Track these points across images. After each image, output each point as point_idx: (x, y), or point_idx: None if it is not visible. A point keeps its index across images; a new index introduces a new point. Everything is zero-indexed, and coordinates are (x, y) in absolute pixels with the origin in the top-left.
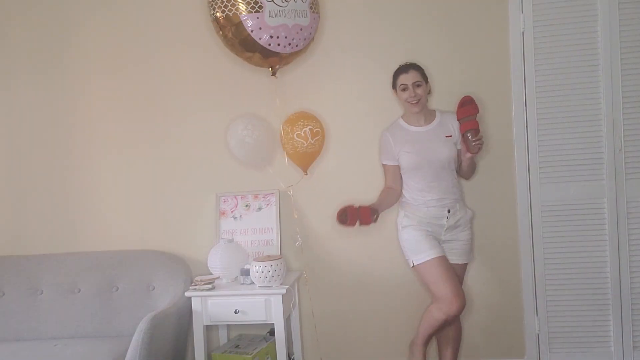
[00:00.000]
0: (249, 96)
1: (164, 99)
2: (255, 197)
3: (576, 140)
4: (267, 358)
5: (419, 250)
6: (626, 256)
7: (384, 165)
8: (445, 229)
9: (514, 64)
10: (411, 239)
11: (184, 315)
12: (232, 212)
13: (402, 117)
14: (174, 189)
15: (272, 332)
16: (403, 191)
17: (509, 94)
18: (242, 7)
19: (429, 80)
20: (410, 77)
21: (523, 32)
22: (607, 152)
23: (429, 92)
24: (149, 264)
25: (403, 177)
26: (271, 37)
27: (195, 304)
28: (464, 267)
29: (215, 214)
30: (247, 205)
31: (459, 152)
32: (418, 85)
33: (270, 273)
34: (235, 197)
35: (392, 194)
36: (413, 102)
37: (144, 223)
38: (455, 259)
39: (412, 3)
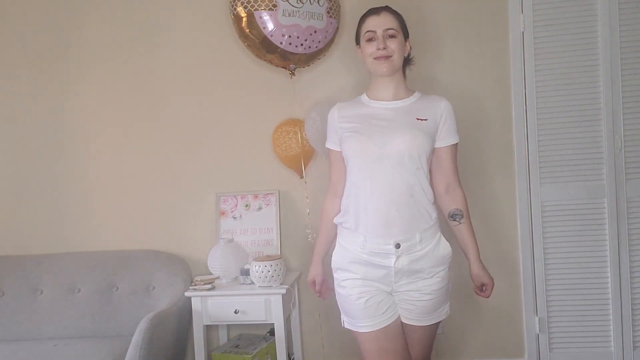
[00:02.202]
0: (251, 95)
1: (165, 98)
2: (255, 197)
3: (576, 140)
4: (267, 358)
5: (350, 314)
6: (626, 256)
7: (328, 152)
8: (394, 273)
9: (514, 64)
10: (341, 293)
11: (184, 315)
12: (232, 212)
13: (366, 92)
14: (174, 189)
15: (272, 332)
16: (343, 199)
17: (509, 94)
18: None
19: (409, 37)
20: (382, 21)
21: (523, 32)
22: (607, 152)
23: (409, 58)
24: (149, 264)
25: (347, 176)
26: (283, 35)
27: (195, 304)
28: (428, 329)
29: (215, 214)
30: (247, 205)
31: (436, 152)
32: (391, 36)
33: (270, 273)
34: (235, 197)
35: (334, 208)
36: (381, 56)
37: (144, 223)
38: (412, 318)
39: (412, 3)
